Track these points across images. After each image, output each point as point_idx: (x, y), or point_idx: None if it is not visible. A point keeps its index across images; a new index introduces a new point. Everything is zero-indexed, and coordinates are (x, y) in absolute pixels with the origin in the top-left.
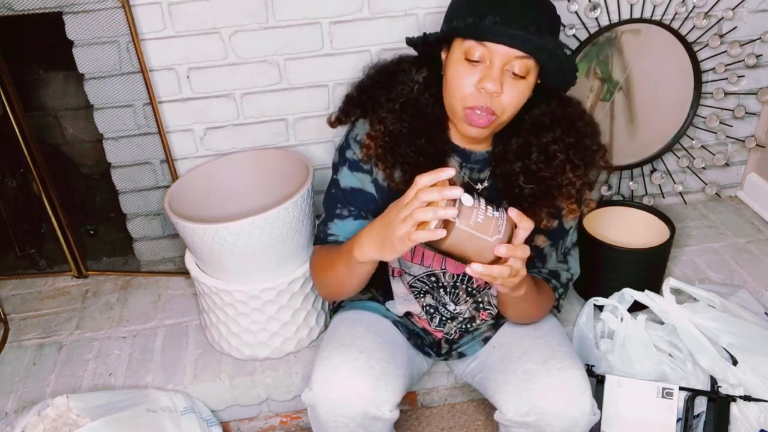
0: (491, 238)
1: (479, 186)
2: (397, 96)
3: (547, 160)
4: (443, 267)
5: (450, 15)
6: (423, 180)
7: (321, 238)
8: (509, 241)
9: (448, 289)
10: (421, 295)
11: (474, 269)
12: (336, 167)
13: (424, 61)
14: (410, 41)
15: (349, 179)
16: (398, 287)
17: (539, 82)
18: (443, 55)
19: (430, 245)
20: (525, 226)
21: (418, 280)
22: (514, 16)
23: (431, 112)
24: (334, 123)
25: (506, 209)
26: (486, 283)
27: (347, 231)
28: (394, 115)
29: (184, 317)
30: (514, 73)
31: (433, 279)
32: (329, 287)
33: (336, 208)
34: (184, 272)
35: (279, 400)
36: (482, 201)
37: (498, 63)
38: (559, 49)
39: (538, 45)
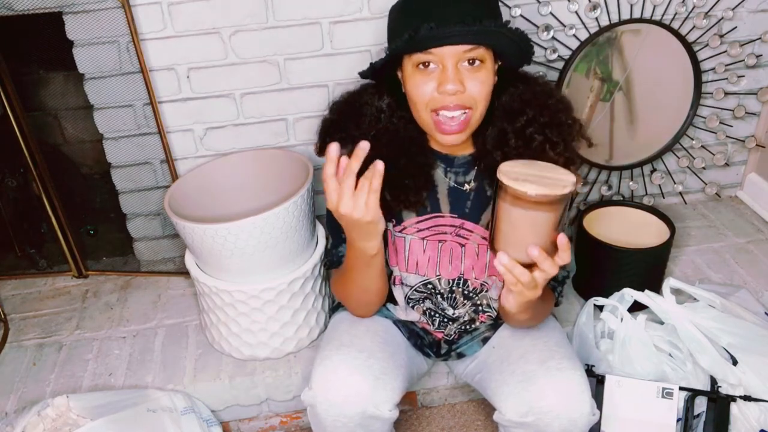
0: (535, 236)
1: (466, 187)
2: (367, 128)
3: (525, 143)
4: (438, 274)
5: (390, 36)
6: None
7: (335, 262)
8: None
9: (445, 295)
10: (420, 302)
11: (500, 259)
12: None
13: (384, 87)
14: (362, 74)
15: None
16: (399, 296)
17: (500, 64)
18: (400, 75)
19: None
20: (563, 257)
21: (415, 290)
22: (448, 15)
23: (405, 134)
24: (319, 153)
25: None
26: (482, 285)
27: None
28: (370, 147)
29: (184, 317)
30: (470, 64)
31: (429, 287)
32: (357, 298)
33: (341, 233)
34: (184, 272)
35: (279, 400)
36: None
37: (450, 63)
38: (503, 28)
39: (480, 32)
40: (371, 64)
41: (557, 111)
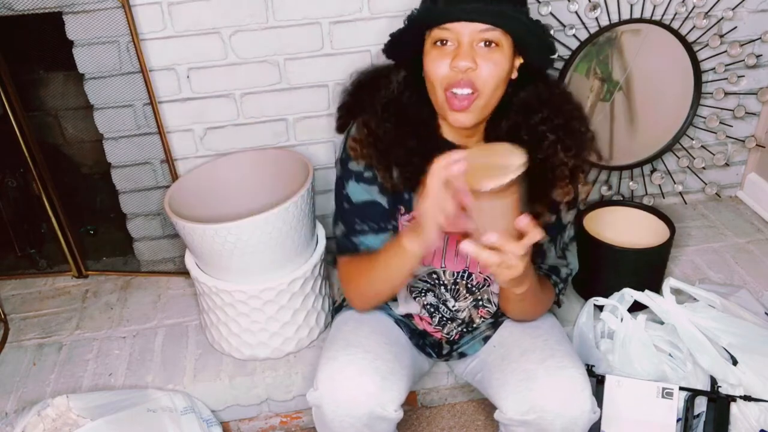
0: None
1: None
2: (379, 99)
3: (537, 141)
4: (443, 265)
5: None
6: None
7: (351, 249)
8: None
9: (448, 287)
10: (422, 294)
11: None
12: (342, 181)
13: (402, 64)
14: (385, 48)
15: (359, 193)
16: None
17: (522, 62)
18: (424, 60)
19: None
20: (532, 237)
21: (419, 279)
22: None
23: (415, 111)
24: (338, 129)
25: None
26: (485, 280)
27: (376, 244)
28: (377, 117)
29: (184, 317)
30: (485, 45)
31: (434, 276)
32: (368, 291)
33: (355, 224)
34: (184, 272)
35: (279, 400)
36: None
37: (465, 40)
38: (521, 15)
39: (496, 13)
40: (390, 34)
41: (572, 117)
